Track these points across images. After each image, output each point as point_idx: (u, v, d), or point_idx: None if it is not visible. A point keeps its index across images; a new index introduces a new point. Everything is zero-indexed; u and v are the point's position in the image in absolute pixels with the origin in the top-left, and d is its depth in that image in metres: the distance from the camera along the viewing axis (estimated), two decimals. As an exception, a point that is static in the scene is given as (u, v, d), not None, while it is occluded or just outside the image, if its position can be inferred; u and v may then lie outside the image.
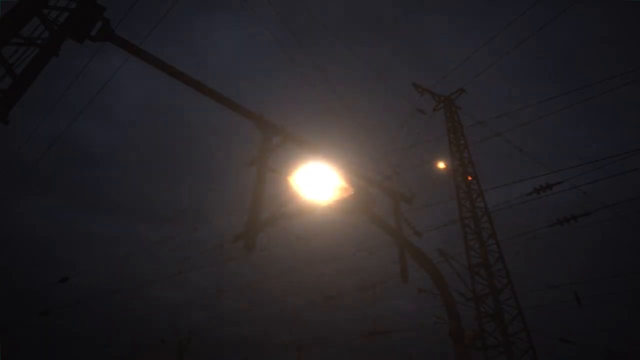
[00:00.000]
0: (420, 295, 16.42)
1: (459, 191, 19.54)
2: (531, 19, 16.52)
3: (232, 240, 5.93)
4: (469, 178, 19.69)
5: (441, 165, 20.33)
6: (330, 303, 20.69)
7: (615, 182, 12.29)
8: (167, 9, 9.47)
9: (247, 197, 6.04)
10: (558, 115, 15.92)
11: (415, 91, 22.15)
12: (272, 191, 6.27)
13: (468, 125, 21.05)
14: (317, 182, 5.95)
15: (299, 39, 12.22)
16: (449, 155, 20.59)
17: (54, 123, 11.35)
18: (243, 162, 6.53)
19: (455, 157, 20.40)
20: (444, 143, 20.98)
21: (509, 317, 16.42)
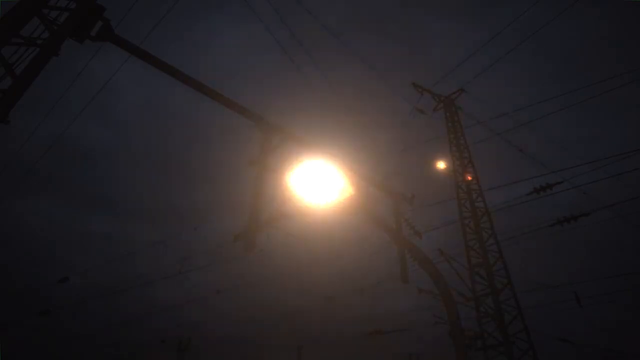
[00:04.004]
0: (420, 295, 16.42)
1: (459, 191, 19.55)
2: (531, 19, 16.53)
3: (232, 240, 5.94)
4: (469, 178, 19.70)
5: (441, 165, 20.36)
6: (330, 303, 20.69)
7: (615, 182, 12.27)
8: (167, 9, 9.48)
9: (247, 197, 6.05)
10: (558, 115, 15.92)
11: (415, 91, 22.19)
12: (272, 191, 6.28)
13: (468, 125, 21.10)
14: (317, 182, 5.96)
15: (299, 39, 12.22)
16: (449, 155, 20.62)
17: (54, 123, 11.34)
18: (243, 162, 6.53)
19: (455, 157, 20.41)
20: (444, 143, 21.01)
21: (509, 317, 16.43)
